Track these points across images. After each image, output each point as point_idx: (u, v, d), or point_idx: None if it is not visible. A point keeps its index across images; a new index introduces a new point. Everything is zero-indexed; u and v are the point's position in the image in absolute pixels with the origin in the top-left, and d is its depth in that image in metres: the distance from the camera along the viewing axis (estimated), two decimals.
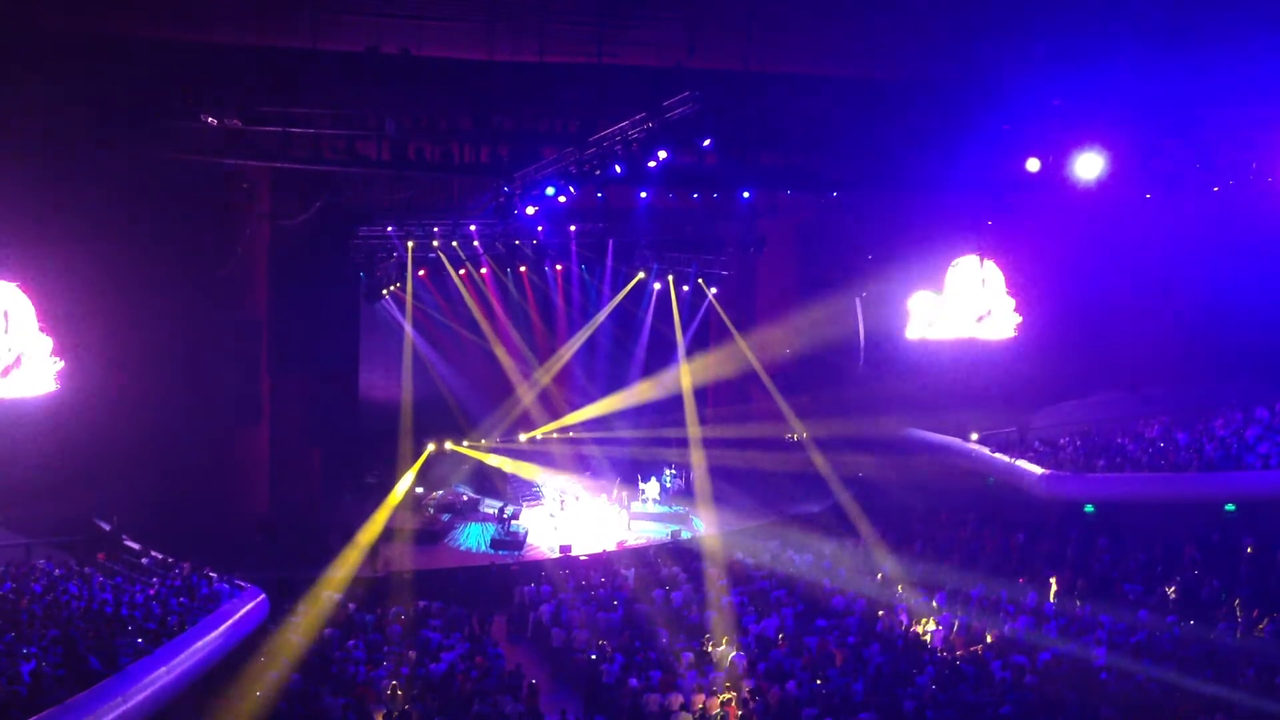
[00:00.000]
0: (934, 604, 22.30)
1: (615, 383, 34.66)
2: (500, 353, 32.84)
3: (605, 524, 29.09)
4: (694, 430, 32.33)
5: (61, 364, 21.69)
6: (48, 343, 21.57)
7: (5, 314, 21.22)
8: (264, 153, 21.12)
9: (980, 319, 29.77)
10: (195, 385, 25.92)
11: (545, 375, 33.75)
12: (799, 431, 32.62)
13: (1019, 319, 28.86)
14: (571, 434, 34.34)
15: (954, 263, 29.02)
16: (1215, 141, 22.30)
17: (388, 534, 27.20)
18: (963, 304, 28.86)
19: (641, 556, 26.30)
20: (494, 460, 31.74)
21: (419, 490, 29.95)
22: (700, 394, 34.27)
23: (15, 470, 22.00)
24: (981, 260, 29.60)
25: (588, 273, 33.79)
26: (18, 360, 21.37)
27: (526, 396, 33.49)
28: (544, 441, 33.65)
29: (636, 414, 33.97)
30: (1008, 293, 28.90)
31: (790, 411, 32.28)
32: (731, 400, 34.57)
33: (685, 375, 33.54)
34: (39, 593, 18.78)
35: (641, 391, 33.53)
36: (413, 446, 30.73)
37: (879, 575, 24.31)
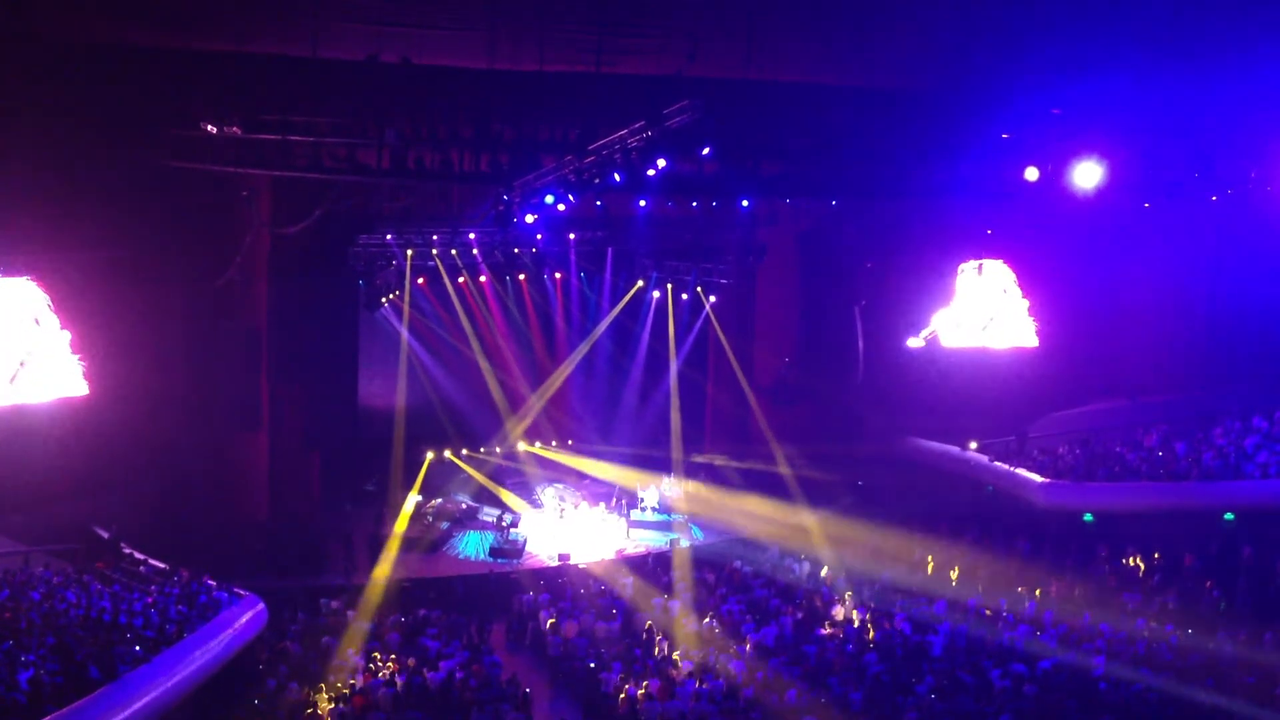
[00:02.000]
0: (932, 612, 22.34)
1: (611, 404, 34.46)
2: (486, 365, 32.60)
3: (604, 532, 29.06)
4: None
5: (83, 363, 21.91)
6: (65, 337, 21.86)
7: (35, 318, 21.57)
8: (264, 161, 21.13)
9: (986, 326, 29.87)
10: (195, 393, 25.94)
11: (540, 400, 33.65)
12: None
13: (1033, 323, 28.97)
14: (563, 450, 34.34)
15: (960, 268, 29.16)
16: (1214, 151, 22.34)
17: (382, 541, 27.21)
18: (971, 311, 29.04)
19: (640, 565, 26.27)
20: (489, 484, 31.65)
21: (418, 498, 29.95)
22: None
23: (15, 477, 21.99)
24: (980, 268, 29.70)
25: (586, 281, 33.77)
26: (34, 355, 21.59)
27: (523, 414, 33.41)
28: (528, 459, 33.50)
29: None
30: (1022, 295, 29.10)
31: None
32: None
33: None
34: (37, 600, 18.76)
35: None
36: (412, 455, 30.73)
37: (876, 584, 24.31)
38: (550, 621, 22.51)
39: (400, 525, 27.97)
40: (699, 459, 32.79)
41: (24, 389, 21.78)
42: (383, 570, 25.28)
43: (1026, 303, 30.21)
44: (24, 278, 21.92)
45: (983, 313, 30.03)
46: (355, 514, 29.23)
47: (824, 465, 30.94)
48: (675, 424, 32.71)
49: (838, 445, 31.43)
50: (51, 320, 22.32)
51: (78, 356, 22.55)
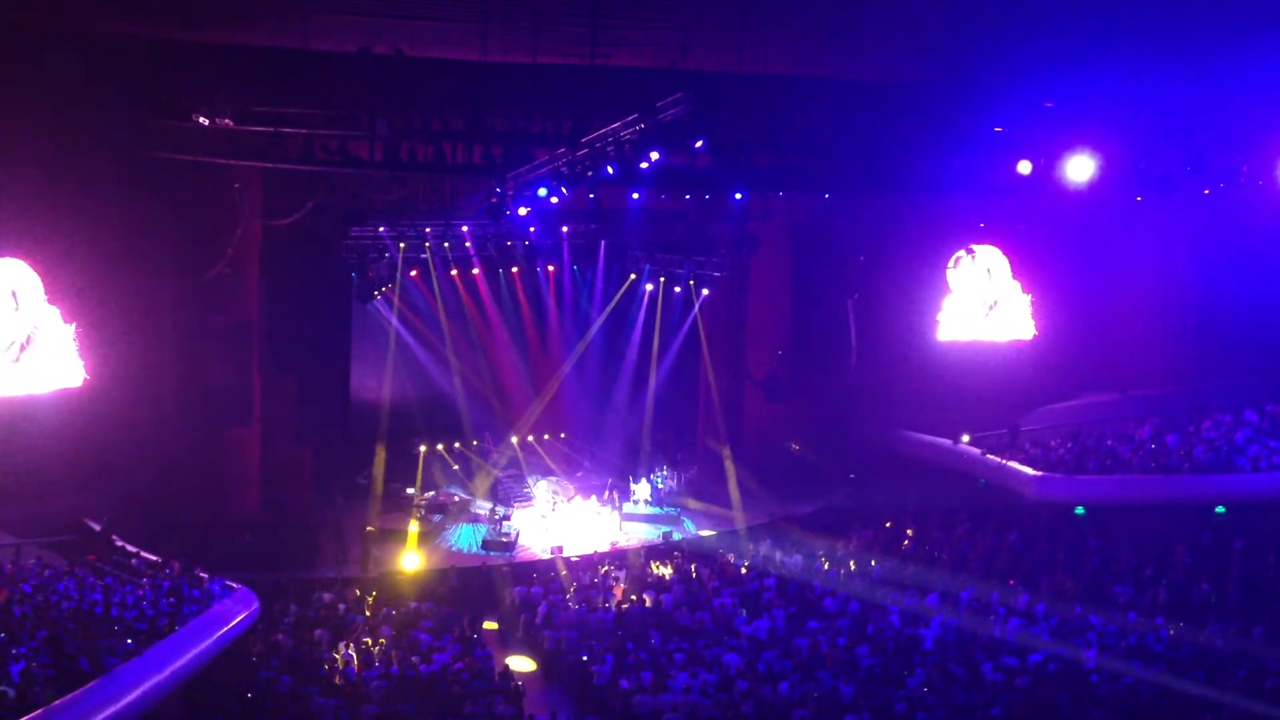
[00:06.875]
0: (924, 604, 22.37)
1: (603, 398, 34.36)
2: (478, 358, 32.56)
3: (597, 525, 29.05)
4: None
5: (75, 340, 21.85)
6: (56, 314, 21.79)
7: (13, 292, 21.32)
8: (256, 152, 21.06)
9: (990, 309, 29.92)
10: (186, 386, 25.86)
11: (535, 394, 33.59)
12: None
13: (1029, 306, 29.05)
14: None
15: (954, 257, 29.19)
16: (1206, 145, 22.39)
17: (379, 535, 27.15)
18: (971, 299, 29.08)
19: (633, 558, 26.27)
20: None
21: (409, 491, 29.91)
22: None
23: (6, 470, 21.91)
24: (972, 253, 29.77)
25: (579, 274, 33.71)
26: (29, 339, 21.44)
27: (516, 408, 33.37)
28: (520, 452, 33.41)
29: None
30: (1013, 278, 29.19)
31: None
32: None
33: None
34: (28, 593, 18.70)
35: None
36: (404, 449, 30.63)
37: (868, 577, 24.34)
38: (543, 614, 22.52)
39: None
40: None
41: (27, 374, 21.73)
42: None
43: (1018, 284, 30.31)
44: (13, 258, 21.77)
45: (983, 300, 30.04)
46: (347, 507, 29.18)
47: (815, 457, 31.06)
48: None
49: (830, 438, 31.53)
50: (43, 301, 22.21)
51: (75, 333, 22.42)
